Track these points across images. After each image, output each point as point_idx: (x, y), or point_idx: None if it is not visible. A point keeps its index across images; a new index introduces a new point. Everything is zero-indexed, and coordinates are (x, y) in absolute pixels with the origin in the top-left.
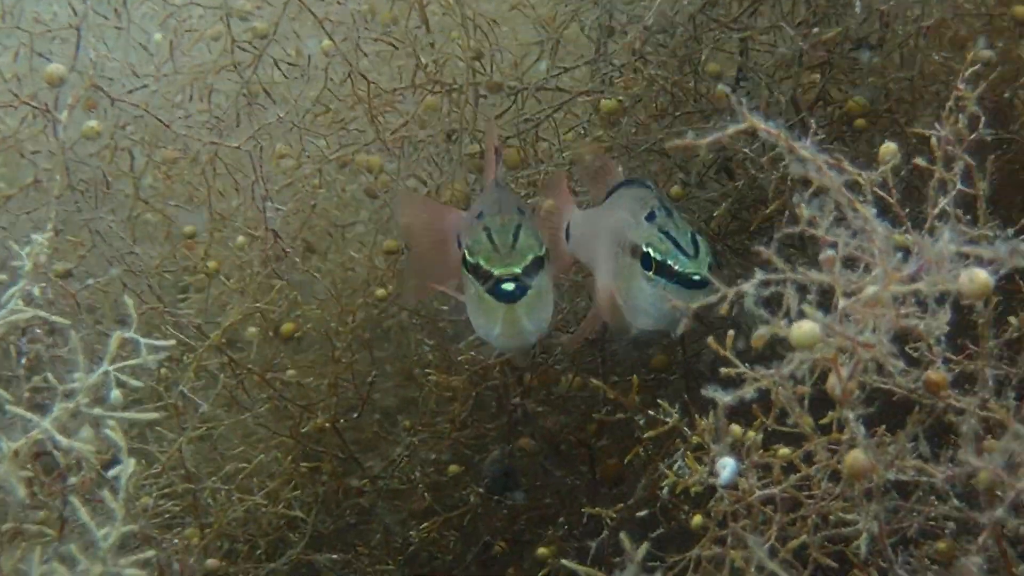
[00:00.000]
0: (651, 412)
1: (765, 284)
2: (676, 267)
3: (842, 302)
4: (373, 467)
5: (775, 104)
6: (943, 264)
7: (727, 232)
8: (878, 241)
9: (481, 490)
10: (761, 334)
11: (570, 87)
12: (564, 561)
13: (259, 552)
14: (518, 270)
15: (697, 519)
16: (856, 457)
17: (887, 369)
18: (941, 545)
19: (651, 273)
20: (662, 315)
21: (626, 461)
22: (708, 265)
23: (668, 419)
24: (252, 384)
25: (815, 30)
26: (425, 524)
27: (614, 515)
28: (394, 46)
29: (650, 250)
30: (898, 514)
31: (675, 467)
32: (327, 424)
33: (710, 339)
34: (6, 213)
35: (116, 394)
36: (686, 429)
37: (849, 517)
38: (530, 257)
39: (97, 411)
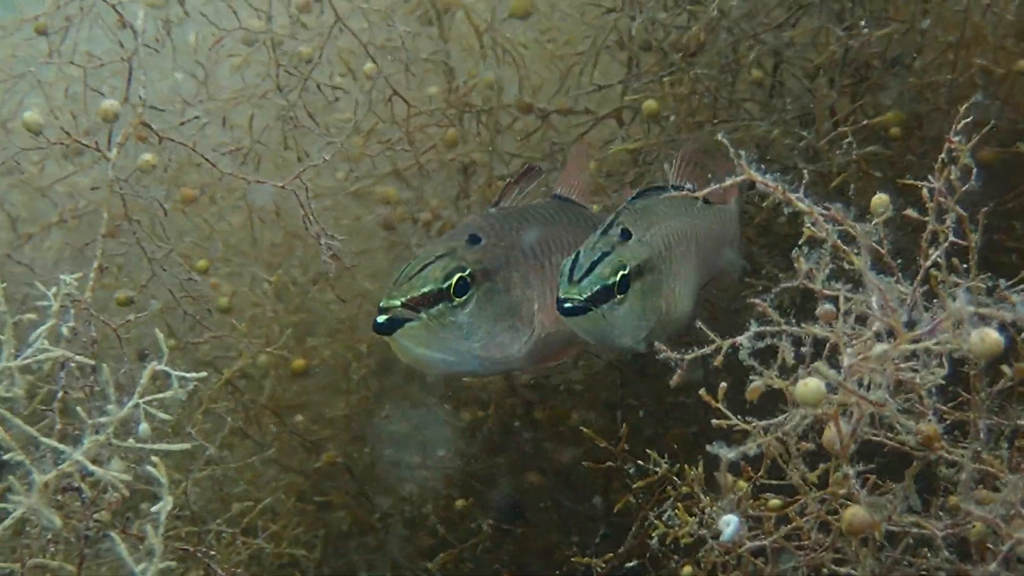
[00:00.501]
0: (640, 462)
1: (760, 336)
2: (559, 292)
3: (846, 359)
4: (381, 504)
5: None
6: (961, 325)
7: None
8: (888, 298)
9: (490, 522)
10: (756, 386)
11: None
12: None
13: None
14: (396, 303)
15: (687, 570)
16: (855, 513)
17: (881, 422)
18: None
19: None
20: (583, 335)
21: (615, 510)
22: (598, 289)
23: (657, 469)
24: (262, 421)
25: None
26: (441, 556)
27: (603, 565)
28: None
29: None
30: (889, 565)
31: (664, 517)
32: (337, 459)
33: (702, 391)
34: (31, 249)
35: (145, 427)
36: (676, 479)
37: (842, 571)
38: (425, 289)
39: (129, 442)
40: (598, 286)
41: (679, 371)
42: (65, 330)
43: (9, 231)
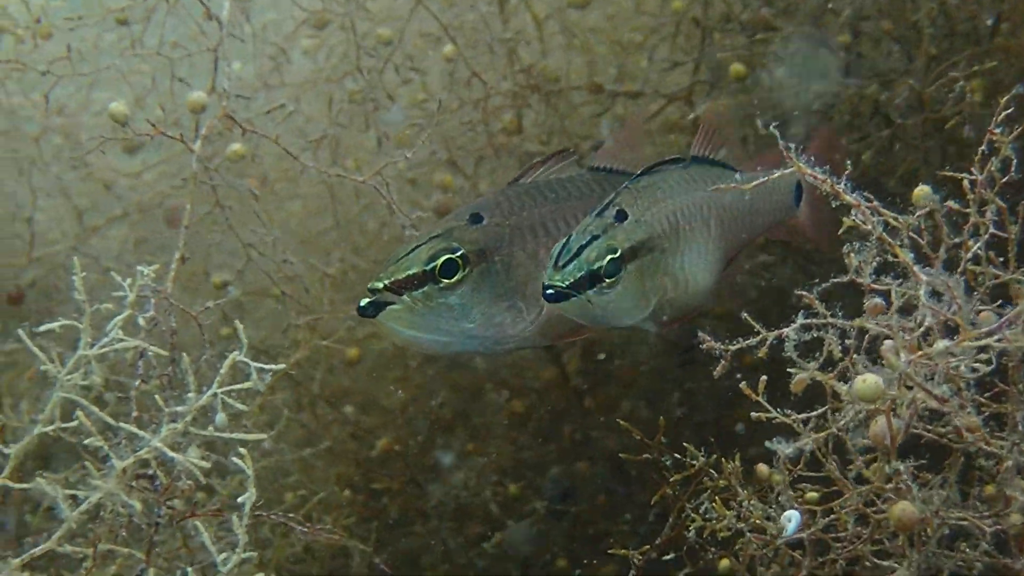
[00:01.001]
0: (677, 454)
1: (806, 328)
2: (544, 277)
3: (903, 355)
4: (435, 491)
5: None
6: None
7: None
8: (955, 294)
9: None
10: (801, 379)
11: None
12: None
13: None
14: (379, 285)
15: (724, 563)
16: (904, 509)
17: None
18: None
19: None
20: (574, 317)
21: (652, 503)
22: (581, 275)
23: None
24: (316, 410)
25: None
26: (497, 535)
27: (640, 557)
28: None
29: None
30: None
31: (701, 510)
32: (394, 447)
33: (743, 385)
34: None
35: (222, 417)
36: (712, 471)
37: (884, 564)
38: (409, 272)
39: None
40: (583, 271)
41: (723, 361)
42: (142, 320)
43: (76, 223)
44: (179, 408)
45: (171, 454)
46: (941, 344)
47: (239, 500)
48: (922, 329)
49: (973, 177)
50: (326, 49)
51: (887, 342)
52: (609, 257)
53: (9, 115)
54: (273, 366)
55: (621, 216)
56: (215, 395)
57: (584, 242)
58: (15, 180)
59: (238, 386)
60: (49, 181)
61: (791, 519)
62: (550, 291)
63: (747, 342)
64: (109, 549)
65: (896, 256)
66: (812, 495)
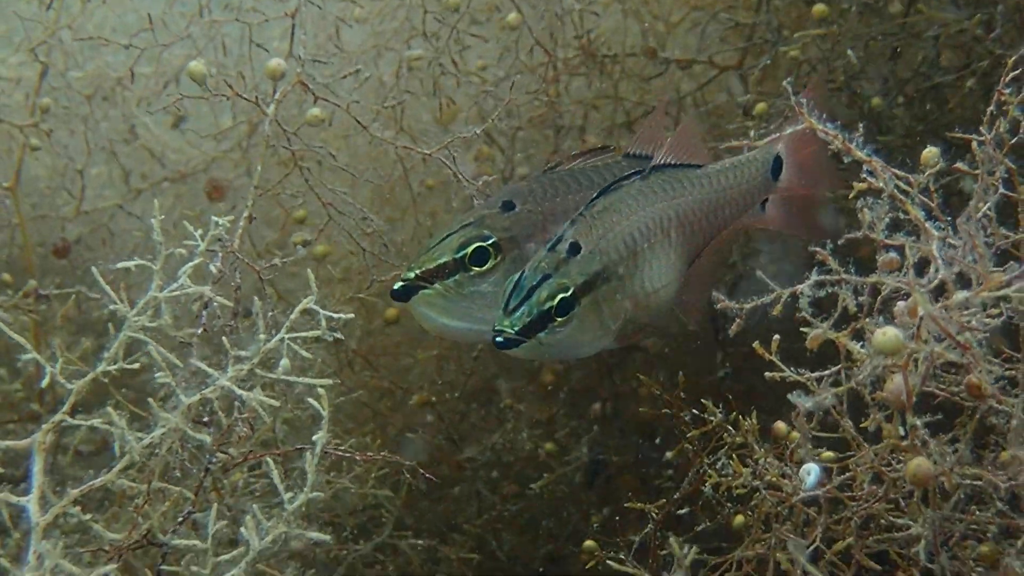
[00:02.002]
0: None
1: (820, 285)
2: (496, 322)
3: (922, 307)
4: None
5: None
6: None
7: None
8: (978, 244)
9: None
10: (816, 335)
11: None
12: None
13: (345, 534)
14: (412, 274)
15: (739, 518)
16: (919, 464)
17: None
18: (984, 548)
19: None
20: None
21: (671, 457)
22: (532, 319)
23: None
24: (354, 366)
25: None
26: (546, 476)
27: (656, 511)
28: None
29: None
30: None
31: (719, 465)
32: (430, 400)
33: (755, 344)
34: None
35: (285, 362)
36: (730, 428)
37: (900, 521)
38: (443, 259)
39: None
40: (532, 315)
41: (737, 320)
42: (213, 268)
43: (123, 185)
44: (243, 353)
45: (239, 391)
46: (961, 295)
47: (313, 438)
48: (935, 283)
49: (982, 138)
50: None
51: (900, 303)
52: (560, 296)
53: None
54: (343, 315)
55: (574, 249)
56: (282, 340)
57: (535, 282)
58: (68, 135)
59: (305, 333)
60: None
61: (810, 472)
62: (499, 339)
63: (761, 300)
64: (162, 488)
65: (907, 212)
66: (828, 454)
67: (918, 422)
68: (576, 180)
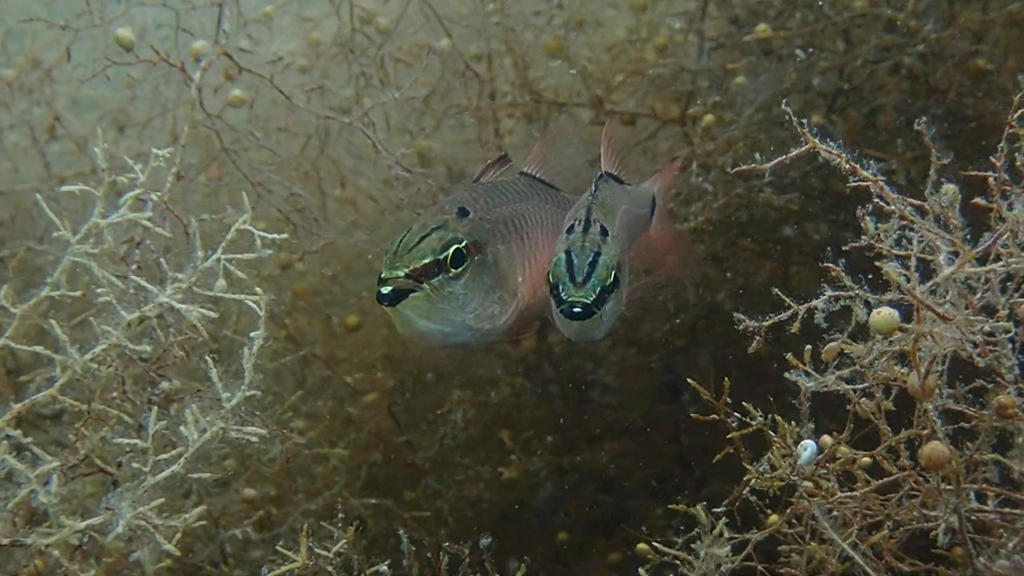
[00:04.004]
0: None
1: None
2: (562, 294)
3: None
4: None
5: None
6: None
7: None
8: (950, 215)
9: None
10: (832, 348)
11: None
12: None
13: (298, 494)
14: (399, 274)
15: (773, 518)
16: (935, 448)
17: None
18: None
19: (551, 292)
20: (567, 333)
21: (714, 461)
22: (599, 291)
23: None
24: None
25: None
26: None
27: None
28: None
29: (550, 273)
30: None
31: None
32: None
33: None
34: None
35: (221, 283)
36: (771, 432)
37: (931, 514)
38: (425, 260)
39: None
40: (600, 288)
41: (756, 339)
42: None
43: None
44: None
45: (178, 305)
46: (946, 270)
47: (250, 335)
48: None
49: (995, 175)
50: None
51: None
52: (614, 274)
53: None
54: (276, 235)
55: (604, 232)
56: (218, 260)
57: (590, 259)
58: None
59: (241, 256)
60: None
61: (806, 448)
62: (576, 308)
63: (778, 317)
64: (103, 409)
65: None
66: (865, 460)
67: (930, 407)
68: (502, 193)
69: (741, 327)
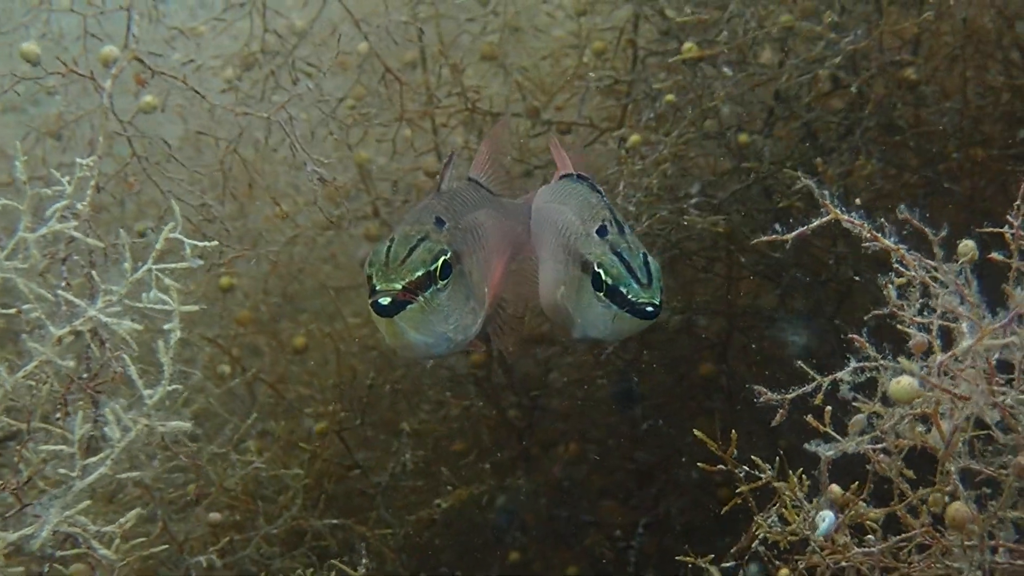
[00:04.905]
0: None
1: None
2: (629, 296)
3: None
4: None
5: None
6: None
7: None
8: (969, 296)
9: None
10: (859, 420)
11: None
12: None
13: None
14: (398, 286)
15: (783, 572)
16: (958, 508)
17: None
18: None
19: (601, 295)
20: (610, 334)
21: (723, 512)
22: (660, 290)
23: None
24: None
25: None
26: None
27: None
28: None
29: (601, 272)
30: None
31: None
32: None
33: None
34: None
35: (155, 293)
36: (781, 485)
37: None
38: (419, 273)
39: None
40: (661, 284)
41: (780, 412)
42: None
43: None
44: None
45: (106, 319)
46: (965, 343)
47: (165, 327)
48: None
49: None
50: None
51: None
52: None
53: None
54: (206, 243)
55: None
56: (150, 270)
57: (640, 256)
58: None
59: (173, 265)
60: None
61: (824, 519)
62: (650, 308)
63: (801, 390)
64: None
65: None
66: (875, 514)
67: (952, 467)
68: (461, 201)
69: (763, 399)
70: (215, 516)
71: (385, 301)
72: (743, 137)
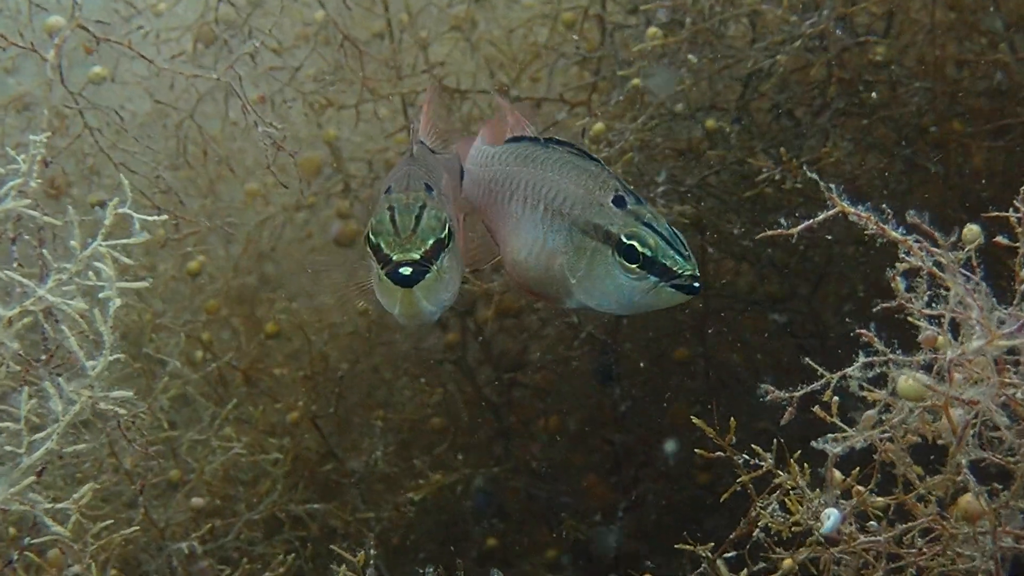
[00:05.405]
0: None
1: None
2: (675, 269)
3: (949, 354)
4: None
5: None
6: None
7: None
8: (980, 300)
9: None
10: (870, 415)
11: None
12: None
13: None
14: (416, 256)
15: (788, 563)
16: (969, 501)
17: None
18: None
19: (636, 267)
20: (632, 307)
21: (722, 500)
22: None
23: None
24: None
25: None
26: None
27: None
28: None
29: (635, 243)
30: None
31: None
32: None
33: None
34: None
35: (107, 270)
36: (781, 473)
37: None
38: (431, 241)
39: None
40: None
41: (789, 410)
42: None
43: None
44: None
45: (53, 299)
46: (975, 343)
47: (100, 296)
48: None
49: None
50: None
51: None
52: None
53: None
54: (156, 217)
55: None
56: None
57: (669, 229)
58: None
59: (123, 241)
60: None
61: (830, 516)
62: (696, 283)
63: (810, 387)
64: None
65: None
66: (880, 501)
67: (963, 460)
68: (430, 164)
69: (769, 397)
70: (198, 501)
71: (407, 271)
72: (710, 123)
